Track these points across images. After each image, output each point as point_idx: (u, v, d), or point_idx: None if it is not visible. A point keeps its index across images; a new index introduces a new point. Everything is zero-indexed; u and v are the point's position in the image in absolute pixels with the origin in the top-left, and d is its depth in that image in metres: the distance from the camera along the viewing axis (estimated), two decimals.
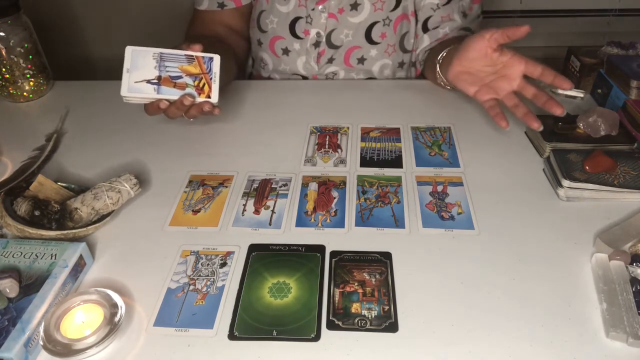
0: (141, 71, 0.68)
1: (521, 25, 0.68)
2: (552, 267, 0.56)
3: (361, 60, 0.94)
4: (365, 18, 0.90)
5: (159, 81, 0.69)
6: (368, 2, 0.89)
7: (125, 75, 0.68)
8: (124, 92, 0.68)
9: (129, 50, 0.68)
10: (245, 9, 0.96)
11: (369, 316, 0.51)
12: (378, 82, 0.96)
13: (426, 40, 0.92)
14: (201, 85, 0.70)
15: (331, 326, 0.51)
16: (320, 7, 0.89)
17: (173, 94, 0.69)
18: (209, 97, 0.71)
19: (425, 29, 0.92)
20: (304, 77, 0.98)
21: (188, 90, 0.70)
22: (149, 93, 0.69)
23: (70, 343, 0.48)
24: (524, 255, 0.58)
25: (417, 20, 0.92)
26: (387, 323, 0.50)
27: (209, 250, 0.60)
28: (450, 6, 0.89)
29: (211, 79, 0.71)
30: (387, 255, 0.58)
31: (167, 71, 0.69)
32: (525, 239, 0.60)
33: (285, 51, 0.95)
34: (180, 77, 0.70)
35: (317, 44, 0.93)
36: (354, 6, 0.89)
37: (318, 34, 0.92)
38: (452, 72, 0.76)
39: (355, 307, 0.52)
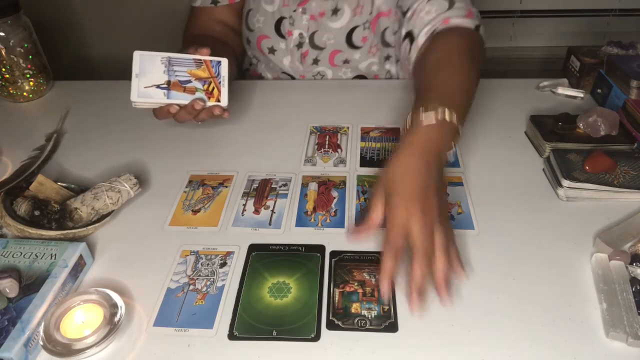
0: (150, 76, 0.68)
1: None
2: (552, 267, 0.56)
3: (346, 61, 0.94)
4: (345, 24, 0.89)
5: (169, 86, 0.68)
6: (348, 7, 0.88)
7: (134, 81, 0.67)
8: (133, 97, 0.67)
9: (137, 55, 0.68)
10: (239, 5, 0.96)
11: (369, 316, 0.51)
12: (378, 82, 0.96)
13: (404, 30, 0.82)
14: (210, 89, 0.70)
15: (331, 326, 0.50)
16: (300, 9, 0.89)
17: (183, 99, 0.69)
18: (218, 100, 0.71)
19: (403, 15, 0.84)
20: (292, 77, 0.98)
21: (198, 94, 0.70)
22: (159, 98, 0.68)
23: (70, 343, 0.48)
24: (524, 255, 0.58)
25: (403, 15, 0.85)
26: (387, 323, 0.50)
27: (208, 250, 0.60)
28: None
29: (220, 82, 0.71)
30: None
31: (176, 76, 0.69)
32: (525, 239, 0.60)
33: (272, 50, 0.95)
34: (190, 81, 0.70)
35: (299, 45, 0.93)
36: (335, 11, 0.88)
37: (300, 35, 0.91)
38: None
39: (355, 307, 0.52)
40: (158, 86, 0.68)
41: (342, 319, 0.51)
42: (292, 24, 0.90)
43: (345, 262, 0.58)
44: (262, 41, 0.94)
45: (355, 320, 0.51)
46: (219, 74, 0.71)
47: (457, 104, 0.61)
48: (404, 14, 0.82)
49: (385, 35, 0.90)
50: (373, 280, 0.55)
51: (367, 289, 0.54)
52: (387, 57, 0.94)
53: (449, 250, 0.52)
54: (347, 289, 0.54)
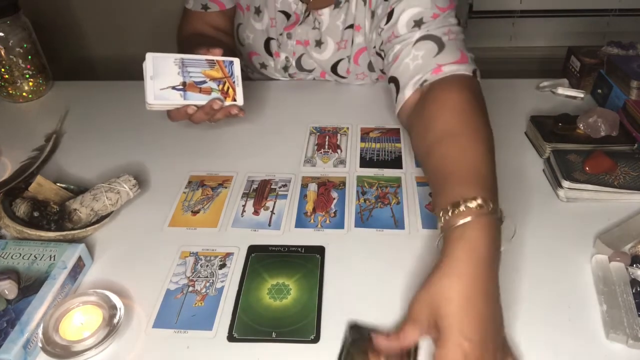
0: (165, 78, 0.67)
1: None
2: (552, 267, 0.56)
3: (337, 82, 0.94)
4: (329, 57, 0.89)
5: (184, 87, 0.68)
6: (332, 41, 0.87)
7: (149, 83, 0.66)
8: (150, 100, 0.66)
9: (150, 56, 0.66)
10: (231, 12, 0.95)
11: None
12: (378, 83, 0.96)
13: (390, 69, 0.74)
14: (225, 89, 0.70)
15: None
16: (285, 33, 0.88)
17: (200, 99, 0.68)
18: (234, 100, 0.71)
19: (381, 54, 0.80)
20: None
21: (214, 94, 0.69)
22: (176, 99, 0.67)
23: (69, 345, 0.48)
24: (523, 256, 0.57)
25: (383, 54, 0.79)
26: None
27: (208, 251, 0.60)
28: (392, 23, 0.73)
29: (234, 82, 0.71)
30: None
31: (191, 76, 0.68)
32: (525, 239, 0.60)
33: (263, 66, 0.95)
34: (205, 81, 0.69)
35: (285, 68, 0.93)
36: (318, 43, 0.88)
37: (287, 59, 0.92)
38: None
39: None
40: (174, 87, 0.67)
41: None
42: (279, 47, 0.90)
43: (364, 340, 0.48)
44: (253, 57, 0.94)
45: None
46: (232, 73, 0.71)
47: (487, 183, 0.51)
48: (385, 55, 0.76)
49: (371, 64, 0.89)
50: None
51: None
52: (377, 79, 0.94)
53: None
54: None
